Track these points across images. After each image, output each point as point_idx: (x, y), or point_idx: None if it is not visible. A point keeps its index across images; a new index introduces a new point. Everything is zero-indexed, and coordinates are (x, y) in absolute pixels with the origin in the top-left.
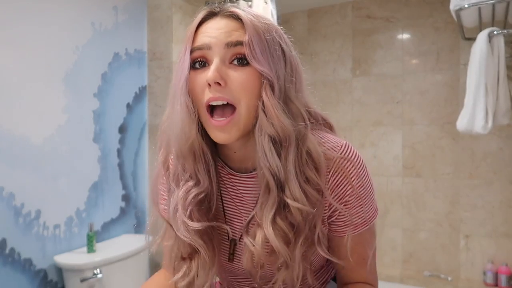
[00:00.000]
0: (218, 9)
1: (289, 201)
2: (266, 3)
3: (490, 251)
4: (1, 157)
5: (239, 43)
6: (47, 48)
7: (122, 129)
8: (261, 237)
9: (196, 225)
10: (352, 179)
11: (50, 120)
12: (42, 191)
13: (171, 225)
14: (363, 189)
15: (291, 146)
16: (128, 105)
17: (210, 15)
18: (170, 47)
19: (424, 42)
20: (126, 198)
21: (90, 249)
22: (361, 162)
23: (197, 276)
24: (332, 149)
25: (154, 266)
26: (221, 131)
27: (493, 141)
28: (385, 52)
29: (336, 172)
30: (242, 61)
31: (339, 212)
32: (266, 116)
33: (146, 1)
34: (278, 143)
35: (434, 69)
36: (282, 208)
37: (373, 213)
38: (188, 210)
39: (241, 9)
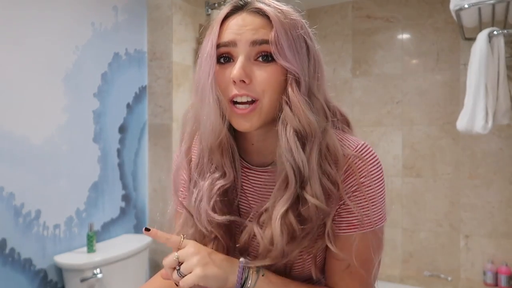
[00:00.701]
0: (243, 3)
1: (308, 197)
2: None
3: (490, 251)
4: (1, 157)
5: (265, 42)
6: (47, 48)
7: (122, 129)
8: (270, 232)
9: (218, 218)
10: (361, 177)
11: (50, 120)
12: (42, 191)
13: (192, 215)
14: (371, 189)
15: (315, 142)
16: (128, 105)
17: (236, 10)
18: (170, 47)
19: (424, 42)
20: (126, 198)
21: (90, 249)
22: (374, 163)
23: None
24: (348, 147)
25: (154, 266)
26: (243, 118)
27: (493, 141)
28: (385, 52)
29: (348, 169)
30: (267, 58)
31: (346, 208)
32: (291, 110)
33: (146, 1)
34: (302, 138)
35: (434, 69)
36: (296, 203)
37: (380, 217)
38: (212, 201)
39: (267, 4)
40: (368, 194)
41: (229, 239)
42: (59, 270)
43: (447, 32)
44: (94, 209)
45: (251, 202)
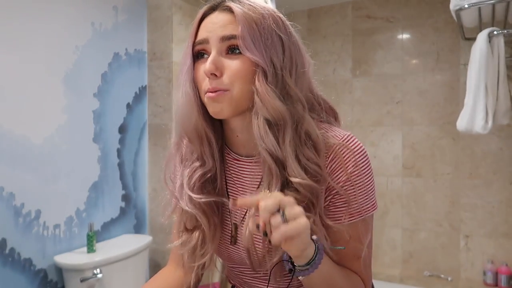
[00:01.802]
0: (216, 4)
1: (291, 178)
2: (266, 2)
3: (490, 251)
4: (1, 157)
5: (233, 37)
6: (47, 48)
7: (122, 129)
8: None
9: (198, 196)
10: (348, 166)
11: (50, 120)
12: (42, 191)
13: (176, 198)
14: (359, 178)
15: (287, 127)
16: (128, 105)
17: (210, 10)
18: (170, 47)
19: (424, 42)
20: (126, 198)
21: (90, 249)
22: (361, 152)
23: (198, 247)
24: (334, 137)
25: (154, 266)
26: (214, 102)
27: (493, 141)
28: (385, 52)
29: (333, 158)
30: (235, 50)
31: (334, 196)
32: (260, 100)
33: (146, 1)
34: (274, 126)
35: (434, 69)
36: (286, 186)
37: (370, 206)
38: (193, 186)
39: (236, 2)
40: (357, 183)
41: (213, 224)
42: (59, 270)
43: (447, 32)
44: (94, 209)
45: (241, 192)
